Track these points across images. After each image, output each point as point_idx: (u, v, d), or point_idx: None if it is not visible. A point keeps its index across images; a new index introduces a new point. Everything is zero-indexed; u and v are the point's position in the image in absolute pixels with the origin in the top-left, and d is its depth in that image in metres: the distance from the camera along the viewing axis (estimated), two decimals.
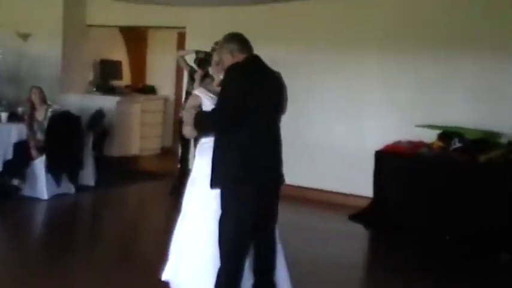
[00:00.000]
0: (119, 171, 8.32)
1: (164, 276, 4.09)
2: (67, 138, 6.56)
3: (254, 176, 3.51)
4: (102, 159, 7.87)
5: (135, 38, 10.21)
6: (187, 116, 3.75)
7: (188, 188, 4.09)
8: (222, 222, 3.58)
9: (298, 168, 7.63)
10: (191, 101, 3.86)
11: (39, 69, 9.04)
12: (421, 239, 6.06)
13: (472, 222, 5.96)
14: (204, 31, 8.15)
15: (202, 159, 3.86)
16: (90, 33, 9.41)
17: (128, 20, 9.15)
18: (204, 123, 3.63)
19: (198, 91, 4.06)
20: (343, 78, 7.40)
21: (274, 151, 3.68)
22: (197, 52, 7.04)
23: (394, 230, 6.26)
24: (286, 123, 7.45)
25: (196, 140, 4.43)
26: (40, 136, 6.61)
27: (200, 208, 3.88)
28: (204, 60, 6.82)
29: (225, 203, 3.56)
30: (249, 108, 3.43)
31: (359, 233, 6.37)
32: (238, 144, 3.48)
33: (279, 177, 3.74)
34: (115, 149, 8.86)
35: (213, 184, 3.56)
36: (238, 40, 3.66)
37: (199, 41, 8.04)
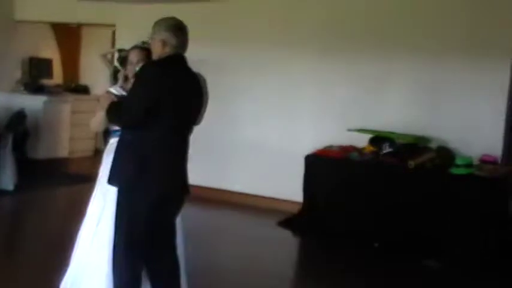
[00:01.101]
0: (44, 174, 7.91)
1: (62, 286, 3.82)
2: None
3: (150, 183, 3.22)
4: (24, 161, 7.47)
5: (68, 35, 9.79)
6: (103, 100, 3.42)
7: (95, 189, 3.83)
8: (115, 231, 3.31)
9: (225, 171, 7.47)
10: (103, 100, 3.50)
11: None
12: (350, 245, 5.91)
13: (400, 228, 5.85)
14: (134, 29, 7.84)
15: (108, 159, 3.59)
16: (19, 30, 8.98)
17: (59, 16, 8.77)
18: (114, 113, 3.33)
19: (112, 88, 3.85)
20: (275, 78, 7.20)
21: (179, 160, 3.40)
22: (120, 51, 6.66)
23: (324, 236, 6.10)
24: (214, 123, 7.41)
25: (105, 137, 4.22)
26: None
27: (104, 211, 3.60)
28: (127, 59, 6.51)
29: (118, 209, 3.29)
30: (159, 113, 3.16)
31: (287, 240, 6.19)
32: (140, 147, 3.21)
33: (182, 188, 3.46)
34: (41, 151, 8.44)
35: (110, 180, 3.32)
36: (176, 34, 3.30)
37: (129, 39, 7.75)
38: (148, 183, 3.21)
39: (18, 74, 9.15)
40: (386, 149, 6.21)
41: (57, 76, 9.84)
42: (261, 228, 6.45)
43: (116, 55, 6.78)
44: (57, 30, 9.68)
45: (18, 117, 7.19)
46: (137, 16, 7.83)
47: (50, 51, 9.68)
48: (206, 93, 3.55)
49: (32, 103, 8.26)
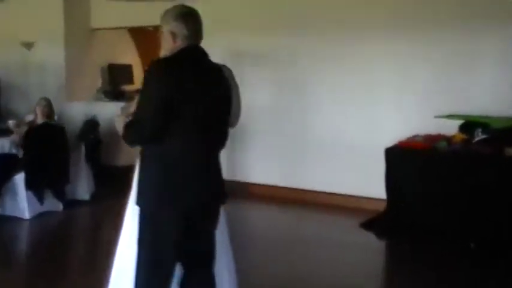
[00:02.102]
0: (121, 182, 7.75)
1: None
2: (48, 152, 6.07)
3: (179, 195, 2.80)
4: (101, 170, 7.36)
5: (146, 39, 9.66)
6: (118, 124, 2.98)
7: (128, 205, 3.49)
8: (138, 252, 2.93)
9: (299, 168, 6.99)
10: (117, 124, 3.00)
11: (44, 78, 8.71)
12: (443, 247, 5.21)
13: (501, 227, 5.08)
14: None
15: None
16: (97, 37, 8.96)
17: (135, 20, 8.63)
18: (130, 137, 2.87)
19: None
20: (350, 65, 6.59)
21: (208, 168, 2.93)
22: None
23: (411, 238, 5.43)
24: (286, 117, 6.97)
25: None
26: None
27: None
28: None
29: (141, 227, 2.90)
30: (178, 117, 2.71)
31: (371, 243, 5.58)
32: (161, 156, 2.78)
33: (215, 198, 3.01)
34: (119, 159, 8.33)
35: (137, 200, 2.91)
36: (186, 22, 2.85)
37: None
38: (174, 198, 2.80)
39: (98, 82, 9.14)
40: (479, 135, 5.46)
41: (138, 81, 9.74)
42: (342, 230, 5.90)
43: None
44: (135, 34, 9.59)
45: (90, 125, 7.09)
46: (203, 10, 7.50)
47: (129, 56, 9.61)
48: (236, 86, 3.08)
49: (111, 110, 8.17)
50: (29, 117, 6.60)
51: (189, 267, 3.02)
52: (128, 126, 2.83)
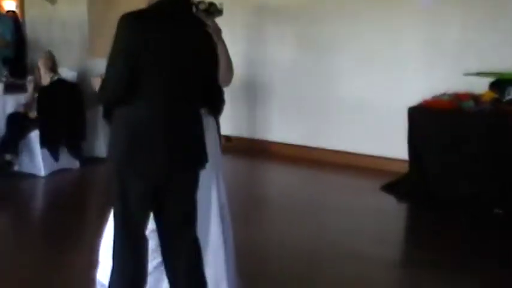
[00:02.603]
0: None
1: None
2: (63, 108, 5.98)
3: (141, 160, 2.58)
4: None
5: None
6: (94, 85, 2.76)
7: None
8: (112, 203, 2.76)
9: (322, 127, 6.77)
10: (93, 84, 2.82)
11: (67, 34, 8.62)
12: (466, 213, 4.95)
13: None
14: None
15: None
16: None
17: None
18: (98, 94, 2.68)
19: None
20: (375, 22, 6.24)
21: (182, 130, 2.67)
22: (199, 3, 6.14)
23: (433, 203, 5.18)
24: (308, 77, 6.69)
25: None
26: None
27: None
28: (205, 11, 5.95)
29: (111, 178, 2.71)
30: (144, 72, 2.49)
31: (391, 207, 5.36)
32: (127, 117, 2.57)
33: (190, 160, 2.75)
34: None
35: (107, 153, 2.74)
36: None
37: None
38: (137, 161, 2.59)
39: None
40: (511, 94, 5.10)
41: None
42: (362, 193, 5.65)
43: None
44: None
45: None
46: None
47: None
48: (223, 43, 2.86)
49: None
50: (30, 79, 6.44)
51: (167, 233, 2.80)
52: (100, 86, 2.64)
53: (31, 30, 9.12)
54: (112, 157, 2.67)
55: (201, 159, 2.78)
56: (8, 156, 5.93)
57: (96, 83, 2.72)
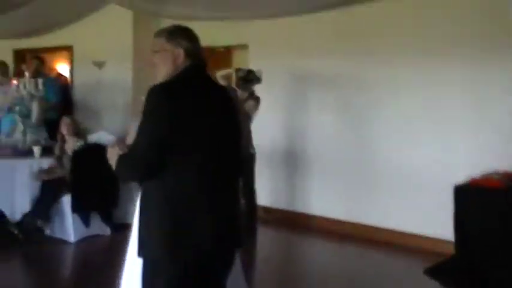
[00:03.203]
0: None
1: None
2: (95, 174, 5.88)
3: (187, 241, 2.42)
4: None
5: (216, 59, 9.40)
6: (110, 156, 2.63)
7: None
8: None
9: (366, 202, 6.42)
10: (110, 154, 2.64)
11: (113, 98, 8.69)
12: None
13: None
14: (267, 47, 7.20)
15: None
16: None
17: (205, 40, 8.36)
18: (121, 170, 2.57)
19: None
20: (422, 95, 5.98)
21: (222, 206, 2.52)
22: (237, 71, 6.11)
23: None
24: (348, 146, 6.42)
25: None
26: None
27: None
28: (244, 79, 5.88)
29: (145, 280, 2.54)
30: (180, 150, 2.39)
31: None
32: (164, 196, 2.42)
33: (229, 242, 2.60)
34: None
35: (138, 251, 2.55)
36: (187, 36, 2.60)
37: (262, 58, 7.14)
38: (181, 244, 2.43)
39: None
40: None
41: None
42: (405, 275, 5.28)
43: (234, 75, 6.22)
44: (205, 54, 9.36)
45: None
46: (268, 33, 7.17)
47: None
48: (236, 107, 2.73)
49: None
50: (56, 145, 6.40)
51: None
52: (120, 160, 2.52)
53: (79, 92, 9.25)
54: (149, 248, 2.48)
55: (241, 239, 2.66)
56: (39, 223, 5.83)
57: (113, 155, 2.57)
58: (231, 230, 2.58)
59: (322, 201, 6.76)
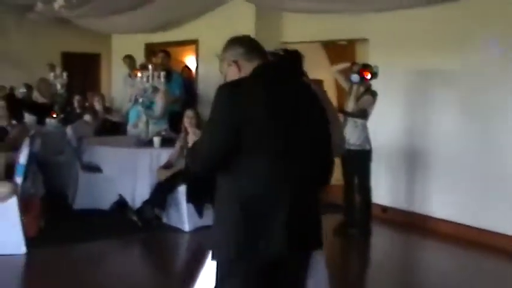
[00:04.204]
0: None
1: None
2: None
3: (261, 242, 2.37)
4: None
5: (339, 53, 9.24)
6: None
7: None
8: None
9: (488, 207, 5.98)
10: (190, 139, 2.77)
11: None
12: None
13: None
14: (387, 41, 6.92)
15: None
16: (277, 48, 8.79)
17: (328, 33, 8.27)
18: (190, 158, 2.69)
19: None
20: None
21: (299, 203, 2.44)
22: (353, 65, 5.93)
23: None
24: (478, 149, 5.97)
25: None
26: None
27: None
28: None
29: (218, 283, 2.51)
30: (245, 144, 2.35)
31: None
32: (237, 195, 2.39)
33: (307, 242, 2.52)
34: None
35: (212, 254, 2.53)
36: (242, 43, 2.59)
37: (383, 52, 6.88)
38: (255, 245, 2.38)
39: None
40: None
41: (331, 97, 9.35)
42: None
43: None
44: (328, 48, 9.24)
45: None
46: (389, 27, 6.89)
47: (321, 71, 9.26)
48: (331, 109, 2.62)
49: None
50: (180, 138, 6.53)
51: None
52: (188, 153, 2.60)
53: (202, 86, 9.49)
54: (222, 250, 2.46)
55: (319, 241, 2.58)
56: (156, 211, 6.02)
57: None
58: (309, 230, 2.50)
59: (443, 203, 6.38)
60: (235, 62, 2.55)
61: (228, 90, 2.41)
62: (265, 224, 2.36)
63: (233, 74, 2.55)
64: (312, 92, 2.56)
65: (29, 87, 9.48)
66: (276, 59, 2.84)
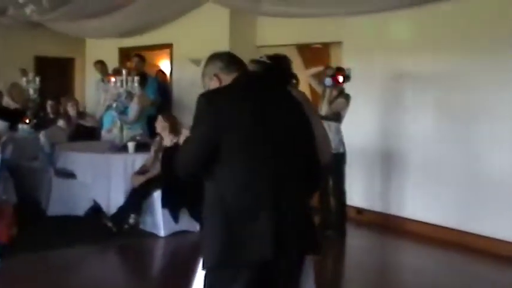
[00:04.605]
0: None
1: None
2: None
3: (244, 249, 2.39)
4: None
5: (314, 56, 9.29)
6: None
7: None
8: None
9: (468, 208, 6.04)
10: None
11: None
12: None
13: None
14: (362, 45, 6.97)
15: None
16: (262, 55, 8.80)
17: (302, 37, 8.30)
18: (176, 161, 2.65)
19: None
20: None
21: (286, 207, 2.44)
22: (326, 69, 5.97)
23: None
24: (453, 151, 6.04)
25: None
26: None
27: None
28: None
29: None
30: (225, 149, 2.40)
31: None
32: (221, 201, 2.42)
33: (298, 246, 2.53)
34: None
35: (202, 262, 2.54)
36: (221, 58, 2.64)
37: (356, 55, 6.93)
38: (239, 252, 2.39)
39: None
40: None
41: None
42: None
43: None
44: (303, 52, 9.27)
45: None
46: (363, 30, 6.94)
47: (297, 74, 9.29)
48: (314, 116, 2.63)
49: None
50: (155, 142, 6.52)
51: None
52: (176, 158, 2.65)
53: (177, 90, 9.47)
54: (208, 257, 2.48)
55: (313, 246, 2.61)
56: (131, 216, 5.96)
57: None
58: (298, 235, 2.49)
59: (418, 204, 6.45)
60: (216, 75, 2.61)
61: (207, 98, 2.48)
62: (249, 231, 2.37)
63: (215, 87, 2.60)
64: (293, 99, 2.58)
65: None
66: (260, 67, 2.87)
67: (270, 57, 3.02)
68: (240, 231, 2.37)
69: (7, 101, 9.04)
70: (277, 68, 2.95)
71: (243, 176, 2.40)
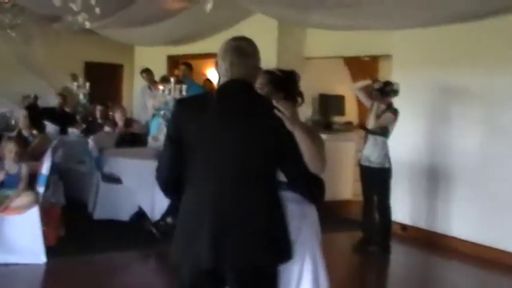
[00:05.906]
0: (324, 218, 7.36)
1: None
2: None
3: (189, 254, 2.56)
4: None
5: (362, 69, 9.21)
6: None
7: None
8: None
9: (497, 223, 5.85)
10: None
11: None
12: None
13: None
14: (412, 57, 6.88)
15: None
16: (309, 66, 8.78)
17: (351, 49, 8.27)
18: None
19: None
20: None
21: (238, 218, 2.49)
22: (374, 82, 5.92)
23: None
24: (501, 168, 5.89)
25: None
26: None
27: None
28: (380, 91, 5.68)
29: None
30: (189, 157, 2.53)
31: None
32: (182, 205, 2.65)
33: (249, 256, 2.51)
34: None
35: None
36: (224, 58, 2.58)
37: (406, 68, 6.85)
38: (186, 256, 2.58)
39: (309, 111, 8.95)
40: None
41: (351, 113, 9.33)
42: None
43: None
44: (351, 64, 9.21)
45: None
46: (413, 44, 6.86)
47: (342, 87, 9.25)
48: (300, 133, 2.50)
49: None
50: None
51: None
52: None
53: None
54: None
55: (276, 255, 2.56)
56: (169, 219, 6.02)
57: None
58: (249, 246, 2.48)
59: (464, 222, 6.32)
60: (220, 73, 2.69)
61: (176, 106, 2.75)
62: (193, 239, 2.50)
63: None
64: (266, 112, 2.47)
65: (63, 98, 9.52)
66: (268, 77, 2.86)
67: (280, 70, 3.03)
68: (186, 240, 2.54)
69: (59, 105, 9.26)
70: (287, 81, 2.96)
71: (190, 185, 2.55)
